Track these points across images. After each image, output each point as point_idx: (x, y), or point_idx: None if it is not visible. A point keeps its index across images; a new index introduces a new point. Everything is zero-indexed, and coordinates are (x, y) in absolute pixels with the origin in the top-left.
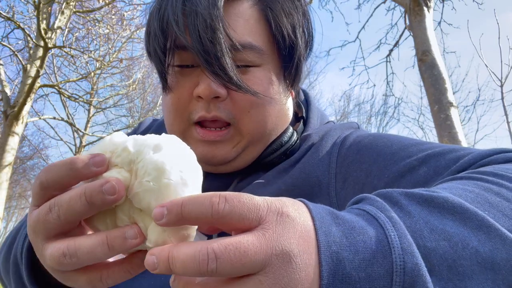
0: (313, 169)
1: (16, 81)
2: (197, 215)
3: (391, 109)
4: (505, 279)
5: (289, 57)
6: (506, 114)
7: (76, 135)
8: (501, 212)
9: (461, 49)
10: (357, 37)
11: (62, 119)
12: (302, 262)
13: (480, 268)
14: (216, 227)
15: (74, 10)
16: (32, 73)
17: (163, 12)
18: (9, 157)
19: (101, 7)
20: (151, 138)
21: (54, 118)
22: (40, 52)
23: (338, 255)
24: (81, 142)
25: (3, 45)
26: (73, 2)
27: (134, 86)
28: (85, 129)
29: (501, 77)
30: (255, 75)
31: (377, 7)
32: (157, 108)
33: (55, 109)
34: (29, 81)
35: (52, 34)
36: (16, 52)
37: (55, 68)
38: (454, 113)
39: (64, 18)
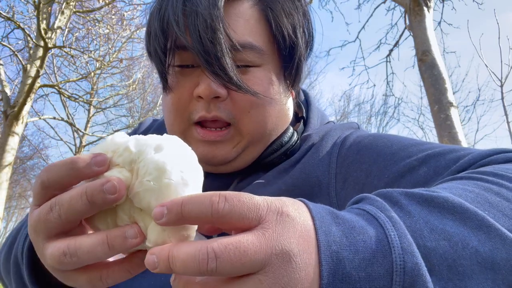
0: (313, 169)
1: (16, 81)
2: (197, 214)
3: (391, 109)
4: (505, 279)
5: (289, 57)
6: (506, 114)
7: (76, 135)
8: (501, 212)
9: (461, 49)
10: (357, 37)
11: (62, 119)
12: (302, 261)
13: (480, 268)
14: (216, 228)
15: (74, 10)
16: (32, 73)
17: (164, 12)
18: (9, 157)
19: (101, 7)
20: (152, 138)
21: (54, 118)
22: (40, 52)
23: (338, 254)
24: (81, 142)
25: (3, 45)
26: (73, 2)
27: (134, 86)
28: (85, 129)
29: (501, 77)
30: (255, 75)
31: (377, 7)
32: (157, 108)
33: (55, 109)
34: (29, 81)
35: (52, 34)
36: (16, 52)
37: (55, 68)
38: (454, 113)
39: (64, 18)
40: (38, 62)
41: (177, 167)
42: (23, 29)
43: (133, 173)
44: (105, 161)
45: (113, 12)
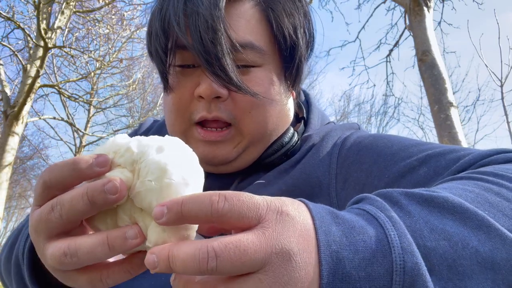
0: (313, 170)
1: (16, 81)
2: (197, 213)
3: (391, 109)
4: (505, 279)
5: (290, 58)
6: (506, 114)
7: (76, 135)
8: (501, 212)
9: (461, 49)
10: (357, 37)
11: (62, 119)
12: (302, 260)
13: (480, 268)
14: (216, 229)
15: (74, 10)
16: (32, 73)
17: (165, 12)
18: (9, 157)
19: (101, 7)
20: (154, 139)
21: (54, 118)
22: (40, 52)
23: (338, 254)
24: (81, 142)
25: (3, 45)
26: (73, 2)
27: (134, 86)
28: (85, 129)
29: (501, 77)
30: (256, 75)
31: (377, 7)
32: (157, 108)
33: (55, 109)
34: (29, 81)
35: (52, 34)
36: (16, 52)
37: (55, 68)
38: (454, 113)
39: (64, 18)
40: (38, 62)
41: (178, 168)
42: (23, 29)
43: (135, 174)
44: (106, 161)
45: (113, 12)
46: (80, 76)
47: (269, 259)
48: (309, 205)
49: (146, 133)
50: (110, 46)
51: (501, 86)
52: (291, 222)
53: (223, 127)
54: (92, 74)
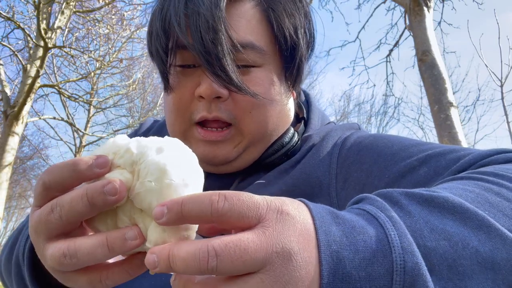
0: (313, 170)
1: (16, 81)
2: (197, 213)
3: (391, 109)
4: (505, 279)
5: (290, 58)
6: (506, 114)
7: (76, 135)
8: (501, 212)
9: (461, 49)
10: (357, 37)
11: (62, 119)
12: (302, 260)
13: (480, 268)
14: (216, 229)
15: (74, 10)
16: (32, 73)
17: (165, 12)
18: (9, 157)
19: (101, 7)
20: (154, 140)
21: (54, 118)
22: (40, 52)
23: (338, 254)
24: (81, 142)
25: (3, 45)
26: (73, 2)
27: (134, 86)
28: (85, 129)
29: (501, 77)
30: (257, 76)
31: (377, 7)
32: (157, 108)
33: (55, 109)
34: (29, 81)
35: (52, 34)
36: (16, 52)
37: (55, 68)
38: (454, 113)
39: (64, 18)
40: (38, 62)
41: (178, 168)
42: (23, 29)
43: (134, 175)
44: (106, 163)
45: (113, 12)
46: (80, 76)
47: (269, 258)
48: (309, 205)
49: (147, 133)
50: (110, 46)
51: (501, 86)
52: (291, 222)
53: (223, 127)
54: (92, 74)
